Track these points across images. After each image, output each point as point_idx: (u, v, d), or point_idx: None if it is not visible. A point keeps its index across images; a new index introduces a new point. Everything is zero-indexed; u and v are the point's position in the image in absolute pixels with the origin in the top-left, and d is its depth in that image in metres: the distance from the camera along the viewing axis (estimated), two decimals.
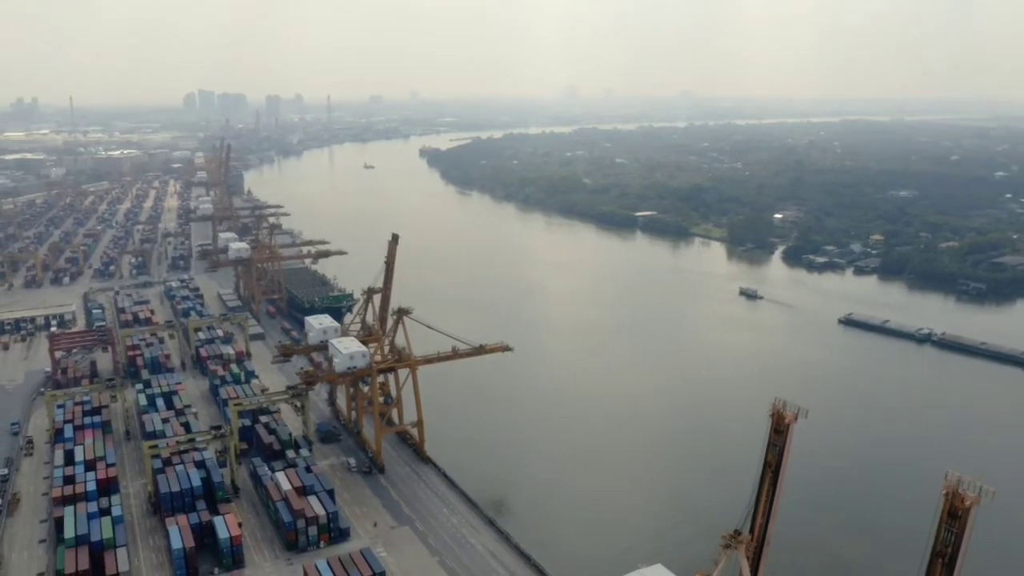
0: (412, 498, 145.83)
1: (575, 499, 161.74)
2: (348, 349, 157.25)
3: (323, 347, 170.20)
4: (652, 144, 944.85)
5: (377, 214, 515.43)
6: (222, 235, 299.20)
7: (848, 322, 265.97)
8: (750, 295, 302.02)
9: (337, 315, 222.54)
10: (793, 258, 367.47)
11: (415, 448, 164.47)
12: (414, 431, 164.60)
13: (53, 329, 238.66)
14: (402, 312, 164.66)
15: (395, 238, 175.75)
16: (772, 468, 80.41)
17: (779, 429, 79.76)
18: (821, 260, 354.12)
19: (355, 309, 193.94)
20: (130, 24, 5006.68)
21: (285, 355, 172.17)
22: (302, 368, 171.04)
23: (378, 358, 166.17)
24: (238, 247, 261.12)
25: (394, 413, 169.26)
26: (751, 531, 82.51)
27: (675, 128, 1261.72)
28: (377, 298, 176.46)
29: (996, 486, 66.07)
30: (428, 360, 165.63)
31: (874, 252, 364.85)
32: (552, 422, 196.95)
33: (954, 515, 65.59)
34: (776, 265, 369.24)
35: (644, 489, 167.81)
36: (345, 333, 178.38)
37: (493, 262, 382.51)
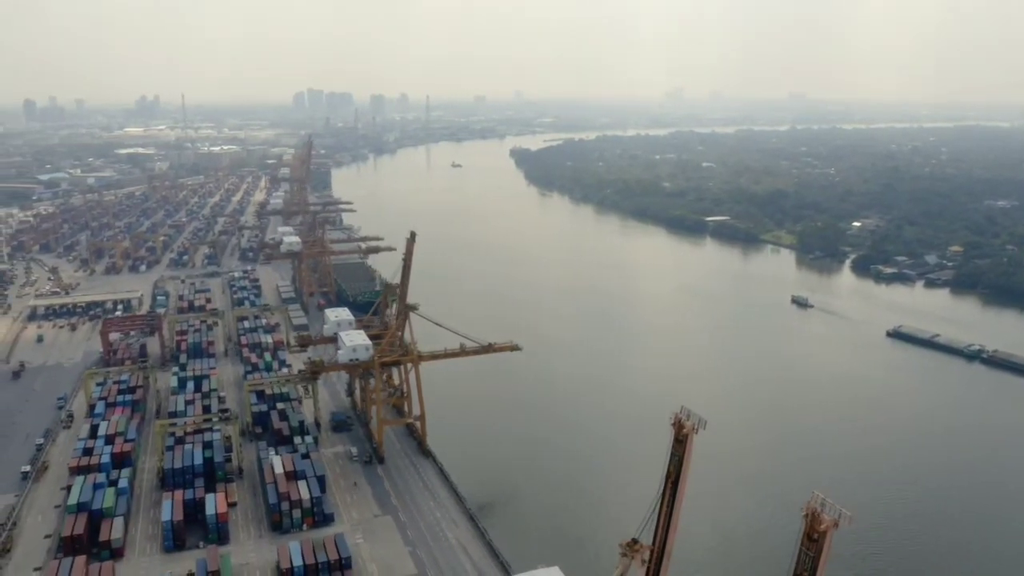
0: (403, 489, 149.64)
1: (570, 502, 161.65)
2: (352, 341, 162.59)
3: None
4: (748, 148, 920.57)
5: (449, 212, 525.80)
6: (279, 229, 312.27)
7: (896, 335, 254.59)
8: (801, 303, 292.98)
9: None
10: (862, 268, 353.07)
11: (420, 441, 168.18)
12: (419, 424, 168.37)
13: (117, 313, 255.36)
14: (408, 308, 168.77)
15: (412, 236, 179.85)
16: (672, 478, 79.39)
17: (679, 439, 78.76)
18: (890, 271, 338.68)
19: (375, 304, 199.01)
20: (250, 30, 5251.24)
21: (302, 345, 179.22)
22: (309, 359, 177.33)
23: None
24: (290, 241, 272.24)
25: (405, 406, 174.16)
26: (653, 542, 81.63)
27: (776, 132, 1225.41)
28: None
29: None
30: (434, 356, 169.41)
31: (950, 264, 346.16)
32: (566, 423, 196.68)
33: (812, 538, 63.74)
34: (844, 275, 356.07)
35: (638, 495, 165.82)
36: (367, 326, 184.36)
37: (547, 262, 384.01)
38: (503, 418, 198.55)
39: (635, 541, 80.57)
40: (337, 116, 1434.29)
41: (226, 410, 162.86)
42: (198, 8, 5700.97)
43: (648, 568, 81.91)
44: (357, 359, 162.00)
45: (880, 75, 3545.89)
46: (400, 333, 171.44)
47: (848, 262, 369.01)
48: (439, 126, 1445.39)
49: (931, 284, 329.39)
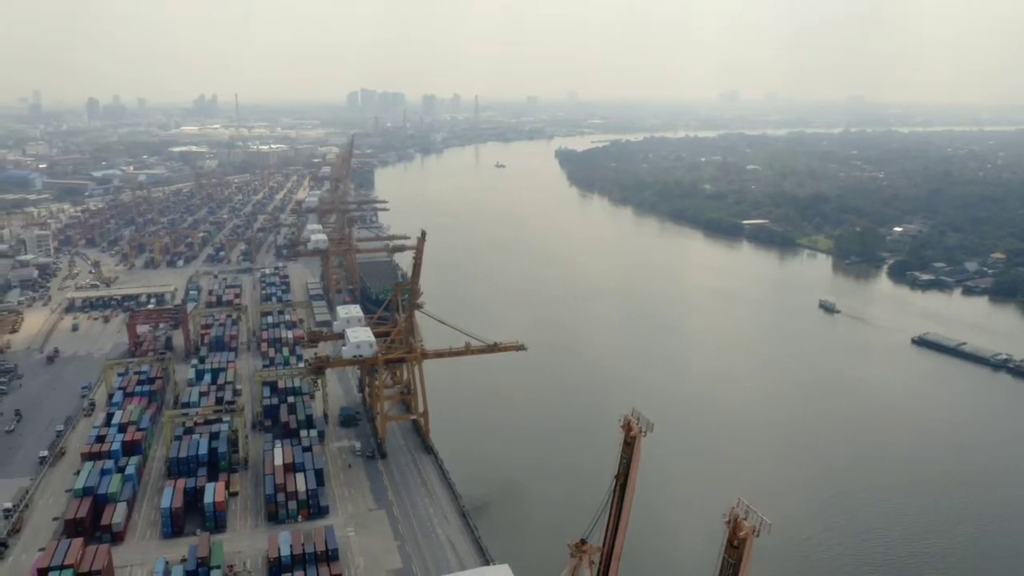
0: (400, 485, 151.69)
1: (570, 502, 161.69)
2: (356, 338, 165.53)
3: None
4: (797, 151, 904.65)
5: (485, 212, 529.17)
6: (309, 227, 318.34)
7: (921, 342, 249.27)
8: (828, 308, 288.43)
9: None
10: (898, 274, 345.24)
11: (424, 438, 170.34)
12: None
13: (149, 306, 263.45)
14: (414, 307, 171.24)
15: (423, 235, 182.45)
16: (621, 480, 79.85)
17: (628, 441, 79.21)
18: (926, 278, 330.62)
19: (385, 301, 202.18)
20: (309, 34, 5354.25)
21: (312, 341, 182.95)
22: (314, 354, 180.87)
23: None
24: (317, 238, 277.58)
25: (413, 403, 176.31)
26: (604, 543, 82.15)
27: (828, 134, 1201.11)
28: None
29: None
30: (439, 354, 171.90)
31: (990, 272, 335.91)
32: (578, 423, 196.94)
33: (733, 544, 63.69)
34: (879, 281, 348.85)
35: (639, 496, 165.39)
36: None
37: (578, 263, 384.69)
38: (516, 417, 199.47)
39: (583, 541, 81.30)
40: (388, 116, 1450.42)
41: (232, 402, 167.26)
42: (260, 13, 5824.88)
43: (599, 569, 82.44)
44: (361, 355, 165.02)
45: (942, 76, 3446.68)
46: (410, 330, 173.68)
47: (885, 268, 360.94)
48: (488, 126, 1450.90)
49: (969, 292, 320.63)
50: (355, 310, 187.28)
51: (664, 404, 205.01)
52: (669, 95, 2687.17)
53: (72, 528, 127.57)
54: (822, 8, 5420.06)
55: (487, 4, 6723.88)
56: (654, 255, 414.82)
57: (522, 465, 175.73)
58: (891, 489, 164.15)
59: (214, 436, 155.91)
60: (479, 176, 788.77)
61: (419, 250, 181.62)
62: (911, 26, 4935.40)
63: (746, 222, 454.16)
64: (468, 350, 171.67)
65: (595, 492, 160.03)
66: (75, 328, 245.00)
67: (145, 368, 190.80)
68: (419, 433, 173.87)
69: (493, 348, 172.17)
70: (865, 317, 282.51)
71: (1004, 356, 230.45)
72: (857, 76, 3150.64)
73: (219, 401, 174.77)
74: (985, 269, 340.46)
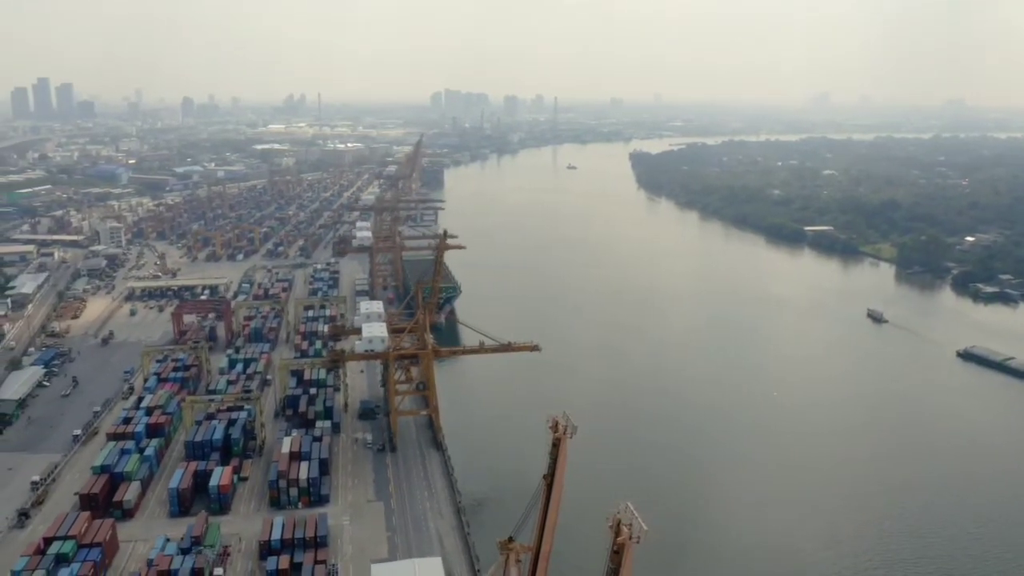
0: (403, 478, 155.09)
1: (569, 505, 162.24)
2: (370, 333, 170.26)
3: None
4: (879, 156, 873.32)
5: (544, 213, 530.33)
6: (358, 224, 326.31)
7: (967, 356, 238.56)
8: (876, 318, 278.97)
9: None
10: (962, 286, 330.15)
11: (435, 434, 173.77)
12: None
13: (203, 297, 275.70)
14: (432, 304, 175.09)
15: (445, 234, 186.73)
16: (548, 480, 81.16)
17: (554, 442, 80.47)
18: (990, 290, 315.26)
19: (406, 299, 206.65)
20: (398, 42, 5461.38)
21: (334, 335, 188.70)
22: (331, 347, 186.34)
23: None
24: (362, 236, 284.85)
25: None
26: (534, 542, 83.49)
27: (918, 140, 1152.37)
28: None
29: None
30: (453, 352, 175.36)
31: None
32: (597, 426, 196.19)
33: (615, 550, 64.20)
34: (942, 292, 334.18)
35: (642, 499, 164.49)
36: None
37: (628, 264, 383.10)
38: (536, 417, 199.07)
39: (511, 539, 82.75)
40: (468, 116, 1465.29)
41: (249, 390, 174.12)
42: (357, 20, 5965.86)
43: (530, 567, 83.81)
44: (372, 350, 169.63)
45: None
46: (426, 327, 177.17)
47: (949, 279, 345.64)
48: (567, 128, 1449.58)
49: None
50: (375, 306, 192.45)
51: (686, 407, 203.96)
52: (757, 97, 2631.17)
53: (86, 502, 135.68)
54: (920, 5, 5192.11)
55: (574, 5, 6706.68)
56: (710, 259, 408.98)
57: (531, 465, 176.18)
58: (906, 509, 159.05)
59: (231, 423, 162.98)
60: (548, 177, 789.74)
61: (440, 250, 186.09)
62: (1014, 25, 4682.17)
63: (808, 228, 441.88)
64: (481, 349, 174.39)
65: (596, 493, 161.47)
66: (132, 313, 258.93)
67: (182, 356, 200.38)
68: (433, 429, 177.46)
69: (507, 348, 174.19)
70: (913, 328, 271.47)
71: None
72: (956, 78, 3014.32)
73: (245, 390, 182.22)
74: None
